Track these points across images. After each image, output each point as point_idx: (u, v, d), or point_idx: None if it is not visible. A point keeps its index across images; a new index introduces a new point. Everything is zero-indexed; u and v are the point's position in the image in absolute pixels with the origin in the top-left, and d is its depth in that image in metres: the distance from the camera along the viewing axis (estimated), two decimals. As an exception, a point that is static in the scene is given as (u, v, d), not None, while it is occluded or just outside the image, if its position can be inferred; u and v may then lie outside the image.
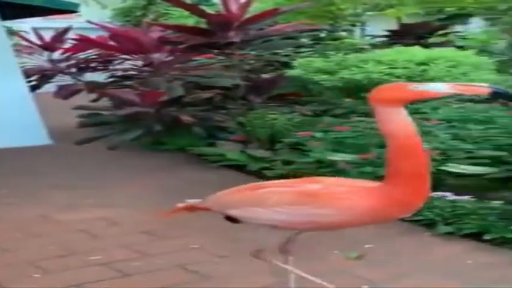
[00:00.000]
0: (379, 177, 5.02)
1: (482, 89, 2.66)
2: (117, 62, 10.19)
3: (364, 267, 3.91)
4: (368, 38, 14.49)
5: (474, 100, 7.83)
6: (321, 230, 3.06)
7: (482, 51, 10.47)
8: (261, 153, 6.53)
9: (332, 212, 2.75)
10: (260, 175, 6.08)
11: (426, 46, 9.27)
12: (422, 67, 7.44)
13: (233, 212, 3.07)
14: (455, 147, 5.55)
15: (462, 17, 14.89)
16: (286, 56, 10.09)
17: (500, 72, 8.43)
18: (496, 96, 2.66)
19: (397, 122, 2.65)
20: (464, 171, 5.24)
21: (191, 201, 3.37)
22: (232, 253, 4.23)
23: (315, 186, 2.84)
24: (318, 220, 2.80)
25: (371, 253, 4.07)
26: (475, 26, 15.20)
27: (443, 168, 5.28)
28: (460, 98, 7.91)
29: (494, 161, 5.31)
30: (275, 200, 2.86)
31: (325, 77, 7.84)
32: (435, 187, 4.78)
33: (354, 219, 2.81)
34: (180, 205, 3.39)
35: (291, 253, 3.14)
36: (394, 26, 13.43)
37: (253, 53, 9.48)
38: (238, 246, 4.29)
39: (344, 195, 2.75)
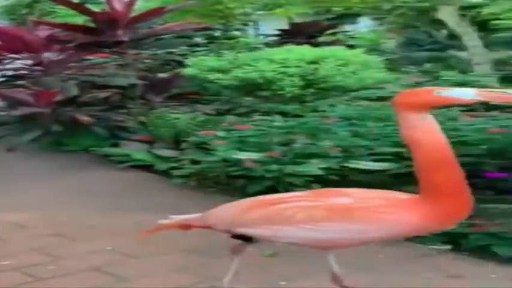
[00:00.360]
0: (285, 175, 5.22)
1: (510, 96, 2.48)
2: (7, 61, 9.89)
3: (279, 263, 3.98)
4: (261, 37, 14.65)
5: (370, 98, 8.08)
6: (350, 246, 2.81)
7: (372, 50, 10.81)
8: (167, 153, 6.50)
9: (370, 228, 2.58)
10: (168, 175, 6.10)
11: (316, 45, 9.44)
12: (314, 65, 7.57)
13: (249, 231, 2.82)
14: (356, 144, 5.70)
15: (350, 16, 15.32)
16: (182, 55, 10.10)
17: (391, 70, 8.70)
18: None
19: (423, 129, 2.52)
20: (367, 168, 5.41)
21: (179, 217, 3.07)
22: (146, 254, 4.21)
23: (344, 200, 2.64)
24: (351, 237, 2.64)
25: (285, 250, 4.14)
26: (364, 26, 15.62)
27: (346, 165, 5.44)
28: (356, 96, 8.15)
29: (395, 157, 5.51)
30: (301, 216, 2.64)
31: (219, 75, 7.87)
32: (341, 184, 4.97)
33: (392, 235, 2.67)
34: (165, 222, 3.08)
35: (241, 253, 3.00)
36: (286, 25, 13.64)
37: (147, 52, 9.44)
38: (152, 247, 4.28)
39: (382, 209, 2.57)
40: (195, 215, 3.03)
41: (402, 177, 5.29)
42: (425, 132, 2.51)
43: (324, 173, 5.26)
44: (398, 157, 5.52)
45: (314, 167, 5.33)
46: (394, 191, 2.72)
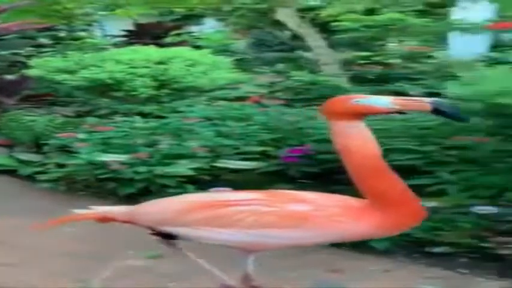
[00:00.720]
0: (156, 176, 5.21)
1: (424, 104, 2.43)
2: None
3: (166, 264, 3.95)
4: (108, 37, 14.43)
5: (227, 98, 8.18)
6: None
7: (222, 50, 10.94)
8: (29, 156, 6.26)
9: (319, 234, 2.53)
10: (33, 179, 5.88)
11: (163, 46, 9.42)
12: (163, 66, 7.56)
13: (184, 231, 2.66)
14: (221, 143, 5.77)
15: (195, 17, 15.38)
16: (27, 56, 9.78)
17: (243, 70, 8.82)
18: (437, 113, 2.43)
19: (352, 136, 2.47)
20: (236, 167, 5.50)
21: (99, 209, 2.88)
22: (22, 261, 4.10)
23: (301, 207, 2.53)
24: (297, 242, 2.62)
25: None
26: (209, 27, 15.71)
27: (215, 164, 5.51)
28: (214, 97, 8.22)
29: (262, 156, 5.63)
30: (250, 221, 2.53)
31: (66, 76, 7.69)
32: (213, 183, 5.02)
33: (338, 240, 2.79)
34: (82, 212, 2.87)
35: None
36: (132, 26, 13.51)
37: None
38: (27, 254, 4.20)
39: (337, 218, 2.50)
40: (118, 207, 2.90)
41: (271, 176, 5.44)
42: (354, 140, 2.46)
43: (195, 173, 5.31)
44: (265, 156, 5.66)
45: (183, 167, 5.36)
46: (348, 197, 2.61)
